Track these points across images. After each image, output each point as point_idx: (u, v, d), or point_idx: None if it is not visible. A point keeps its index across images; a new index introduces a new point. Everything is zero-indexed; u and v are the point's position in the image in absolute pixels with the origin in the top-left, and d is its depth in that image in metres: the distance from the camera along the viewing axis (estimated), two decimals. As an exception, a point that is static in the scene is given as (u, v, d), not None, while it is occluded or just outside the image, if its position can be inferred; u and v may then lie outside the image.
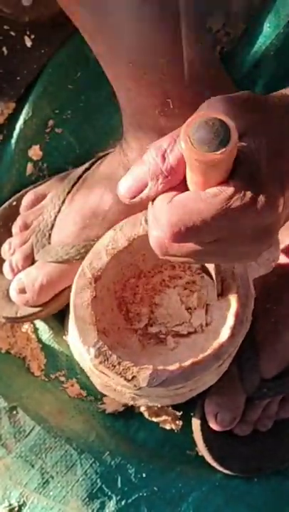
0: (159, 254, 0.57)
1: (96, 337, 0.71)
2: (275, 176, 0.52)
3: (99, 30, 0.75)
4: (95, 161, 0.89)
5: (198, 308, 0.77)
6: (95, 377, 0.76)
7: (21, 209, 0.91)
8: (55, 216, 0.88)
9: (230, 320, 0.72)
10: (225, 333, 0.71)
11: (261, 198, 0.51)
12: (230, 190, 0.51)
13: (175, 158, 0.53)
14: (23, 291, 0.87)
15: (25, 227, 0.90)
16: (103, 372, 0.72)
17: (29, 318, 0.89)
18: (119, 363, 0.71)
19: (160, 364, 0.71)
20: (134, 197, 0.55)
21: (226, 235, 0.53)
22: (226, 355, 0.71)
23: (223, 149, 0.47)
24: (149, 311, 0.78)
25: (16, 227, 0.90)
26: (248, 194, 0.51)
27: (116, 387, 0.73)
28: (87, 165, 0.89)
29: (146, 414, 0.89)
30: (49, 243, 0.87)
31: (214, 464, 0.87)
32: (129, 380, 0.70)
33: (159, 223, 0.54)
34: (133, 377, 0.70)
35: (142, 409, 0.89)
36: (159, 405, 0.86)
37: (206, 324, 0.76)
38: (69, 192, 0.88)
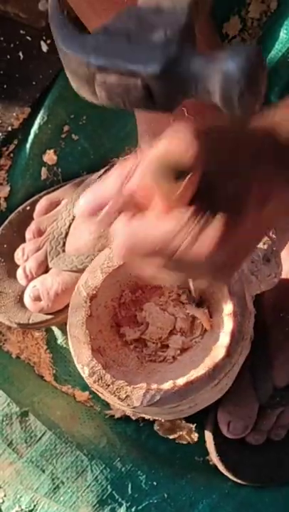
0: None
1: (90, 356, 0.72)
2: (230, 196, 0.51)
3: None
4: (110, 168, 0.89)
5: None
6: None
7: (35, 214, 0.91)
8: (70, 224, 0.88)
9: (225, 339, 0.71)
10: (220, 352, 0.71)
11: (216, 221, 0.50)
12: (186, 214, 0.50)
13: (137, 182, 0.53)
14: (38, 298, 0.87)
15: (39, 233, 0.90)
16: (98, 391, 0.72)
17: (41, 325, 0.89)
18: (112, 382, 0.71)
19: (156, 382, 0.71)
20: (92, 214, 0.55)
21: (183, 258, 0.52)
22: (221, 374, 0.70)
23: (182, 183, 0.48)
24: (140, 330, 0.78)
25: (29, 233, 0.90)
26: (205, 216, 0.50)
27: (114, 404, 0.73)
28: (101, 171, 0.89)
29: (160, 433, 0.89)
30: (63, 251, 0.87)
31: (227, 474, 0.87)
32: (122, 400, 0.70)
33: (115, 243, 0.54)
34: (126, 396, 0.70)
35: (156, 427, 0.89)
36: (163, 420, 0.86)
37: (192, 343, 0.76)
38: (83, 199, 0.88)
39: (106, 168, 0.90)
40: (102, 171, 0.89)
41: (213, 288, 0.73)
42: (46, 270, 0.88)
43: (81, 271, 0.85)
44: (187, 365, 0.73)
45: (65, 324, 0.91)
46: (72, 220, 0.88)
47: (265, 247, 0.74)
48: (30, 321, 0.88)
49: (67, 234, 0.87)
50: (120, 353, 0.76)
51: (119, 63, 0.47)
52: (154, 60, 0.46)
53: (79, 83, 0.49)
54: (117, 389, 0.71)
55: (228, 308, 0.72)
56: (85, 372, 0.72)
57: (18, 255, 0.90)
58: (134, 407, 0.71)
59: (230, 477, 0.87)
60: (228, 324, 0.71)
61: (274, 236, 0.74)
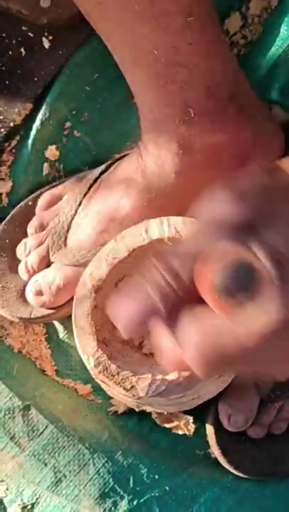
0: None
1: (95, 347, 0.72)
2: None
3: (122, 41, 0.75)
4: (112, 163, 0.89)
5: None
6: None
7: (37, 209, 0.92)
8: (72, 218, 0.88)
9: None
10: None
11: None
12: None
13: (189, 278, 0.46)
14: (39, 293, 0.87)
15: (41, 227, 0.90)
16: (103, 382, 0.72)
17: (43, 319, 0.89)
18: (118, 373, 0.71)
19: (161, 373, 0.71)
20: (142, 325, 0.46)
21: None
22: None
23: (249, 296, 0.42)
24: None
25: (31, 228, 0.90)
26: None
27: (118, 395, 0.73)
28: (103, 167, 0.89)
29: (157, 421, 0.89)
30: (65, 245, 0.87)
31: (228, 467, 0.87)
32: (127, 390, 0.70)
33: (186, 349, 0.45)
34: (132, 386, 0.71)
35: (154, 415, 0.89)
36: (165, 412, 0.86)
37: None
38: (86, 194, 0.88)
39: (108, 163, 0.90)
40: (104, 166, 0.90)
41: None
42: (48, 265, 0.88)
43: (83, 265, 0.85)
44: None
45: (67, 319, 0.92)
46: (74, 214, 0.88)
47: None
48: (32, 316, 0.88)
49: (69, 228, 0.88)
50: (124, 344, 0.76)
51: None
52: None
53: None
54: (122, 379, 0.71)
55: None
56: (90, 363, 0.72)
57: (20, 250, 0.90)
58: (138, 398, 0.71)
59: (232, 470, 0.87)
60: None
61: None
